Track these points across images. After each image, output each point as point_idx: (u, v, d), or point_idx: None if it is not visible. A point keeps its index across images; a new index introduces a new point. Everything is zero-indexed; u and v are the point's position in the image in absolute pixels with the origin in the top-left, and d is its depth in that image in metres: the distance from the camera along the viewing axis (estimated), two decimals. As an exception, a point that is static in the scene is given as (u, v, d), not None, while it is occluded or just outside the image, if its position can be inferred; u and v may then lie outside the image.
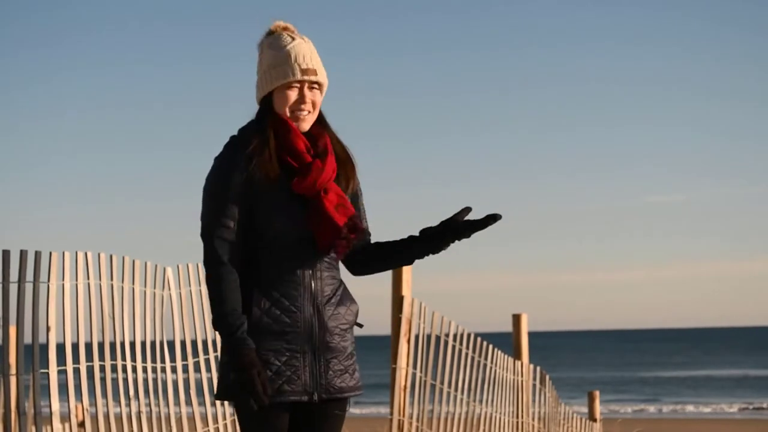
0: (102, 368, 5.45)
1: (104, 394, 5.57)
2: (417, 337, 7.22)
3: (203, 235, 3.68)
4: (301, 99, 3.74)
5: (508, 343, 9.74)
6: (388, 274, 7.07)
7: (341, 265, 3.86)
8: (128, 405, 5.61)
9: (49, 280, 5.05)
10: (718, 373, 60.58)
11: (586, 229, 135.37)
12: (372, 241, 3.88)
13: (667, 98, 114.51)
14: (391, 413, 7.04)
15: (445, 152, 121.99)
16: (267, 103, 3.78)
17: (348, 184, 3.80)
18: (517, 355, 9.65)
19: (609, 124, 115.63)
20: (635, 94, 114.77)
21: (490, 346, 8.49)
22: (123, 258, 5.58)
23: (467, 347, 8.01)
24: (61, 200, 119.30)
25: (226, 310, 3.62)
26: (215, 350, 6.25)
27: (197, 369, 6.17)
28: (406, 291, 7.05)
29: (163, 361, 5.91)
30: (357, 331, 3.90)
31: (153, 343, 5.84)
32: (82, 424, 10.49)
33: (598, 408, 12.52)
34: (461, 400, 7.91)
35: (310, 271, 3.72)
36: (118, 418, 5.55)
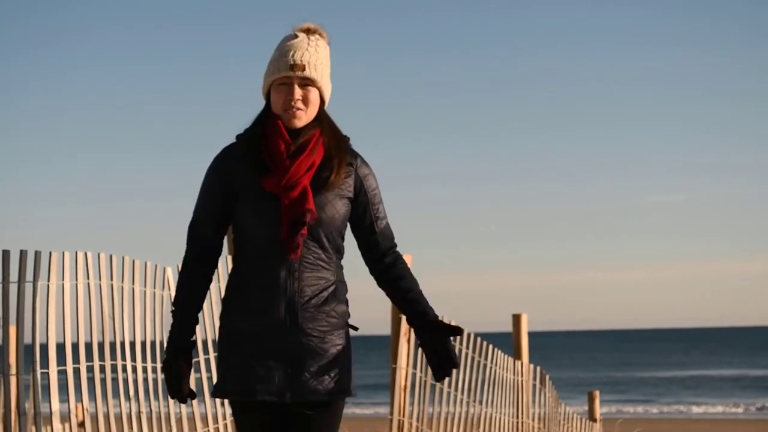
0: (102, 368, 5.45)
1: (104, 394, 5.57)
2: (417, 337, 7.21)
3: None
4: (290, 96, 3.73)
5: (508, 343, 9.74)
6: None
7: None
8: (128, 405, 5.61)
9: (49, 280, 5.05)
10: (718, 373, 60.58)
11: (586, 229, 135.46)
12: (395, 270, 3.82)
13: (667, 98, 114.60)
14: (391, 413, 7.04)
15: (445, 152, 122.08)
16: (267, 100, 3.80)
17: (331, 177, 3.72)
18: (517, 355, 9.65)
19: (609, 124, 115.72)
20: (635, 94, 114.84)
21: (490, 346, 8.49)
22: (123, 258, 5.58)
23: (467, 347, 8.01)
24: (61, 200, 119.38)
25: (174, 308, 3.80)
26: (215, 350, 6.25)
27: (197, 369, 6.17)
28: (406, 291, 7.05)
29: (163, 361, 5.91)
30: (357, 332, 3.89)
31: (153, 343, 5.84)
32: (82, 424, 10.49)
33: (598, 408, 12.51)
34: (461, 400, 7.91)
35: (286, 272, 3.70)
36: (118, 418, 5.55)
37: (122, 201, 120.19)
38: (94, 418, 5.44)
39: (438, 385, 7.54)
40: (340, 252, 3.81)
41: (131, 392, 5.62)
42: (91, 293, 5.35)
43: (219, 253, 3.84)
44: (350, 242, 3.88)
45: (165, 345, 3.81)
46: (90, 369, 5.37)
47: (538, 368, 9.90)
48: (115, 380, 5.57)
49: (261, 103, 3.84)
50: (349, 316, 3.82)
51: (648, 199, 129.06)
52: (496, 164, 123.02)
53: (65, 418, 5.47)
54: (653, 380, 56.58)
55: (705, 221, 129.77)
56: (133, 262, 5.65)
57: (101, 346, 5.45)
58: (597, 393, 12.68)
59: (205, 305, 6.19)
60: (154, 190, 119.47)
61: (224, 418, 6.32)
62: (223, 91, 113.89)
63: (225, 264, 6.06)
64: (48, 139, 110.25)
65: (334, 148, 3.77)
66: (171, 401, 5.92)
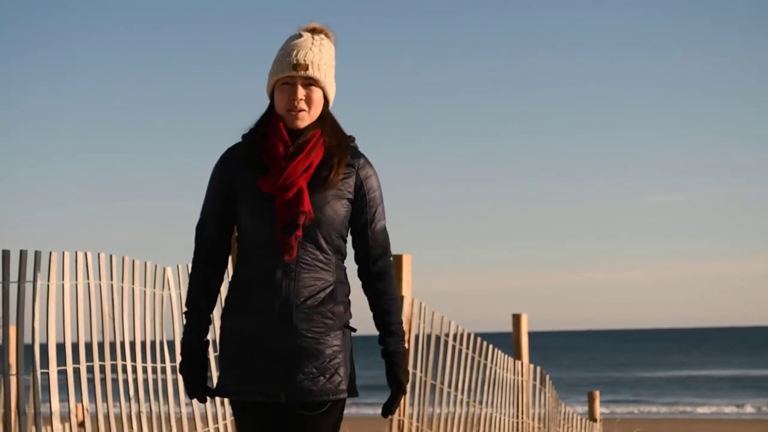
0: (102, 368, 5.45)
1: (104, 394, 5.56)
2: (417, 337, 7.22)
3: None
4: (293, 95, 3.72)
5: (508, 343, 9.73)
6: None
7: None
8: (128, 405, 5.61)
9: (49, 280, 5.05)
10: (718, 373, 60.58)
11: (586, 229, 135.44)
12: (379, 284, 3.83)
13: (667, 98, 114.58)
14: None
15: (445, 152, 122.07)
16: (271, 100, 3.80)
17: (330, 176, 3.71)
18: (517, 355, 9.65)
19: (609, 124, 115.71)
20: (635, 94, 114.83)
21: (490, 346, 8.49)
22: (123, 258, 5.58)
23: (467, 347, 8.01)
24: (61, 200, 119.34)
25: (186, 309, 3.84)
26: (215, 350, 6.25)
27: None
28: (406, 291, 7.05)
29: (163, 361, 5.91)
30: (357, 332, 3.89)
31: (153, 343, 5.83)
32: (82, 424, 10.48)
33: (598, 408, 12.52)
34: (461, 400, 7.91)
35: (282, 272, 3.70)
36: (118, 418, 5.55)
37: (122, 201, 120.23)
38: (94, 418, 5.44)
39: (438, 385, 7.54)
40: (340, 253, 3.79)
41: (131, 392, 5.61)
42: (91, 293, 5.35)
43: (226, 253, 3.84)
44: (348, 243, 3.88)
45: (179, 346, 3.82)
46: (90, 369, 5.36)
47: (538, 368, 9.89)
48: (115, 380, 5.57)
49: (262, 103, 3.83)
50: (349, 316, 3.81)
51: (648, 199, 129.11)
52: (496, 164, 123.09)
53: (65, 418, 5.46)
54: (653, 380, 56.57)
55: (705, 221, 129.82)
56: (133, 262, 5.65)
57: (101, 346, 5.45)
58: (597, 393, 12.68)
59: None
60: (154, 190, 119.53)
61: (224, 418, 6.31)
62: (223, 91, 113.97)
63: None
64: (48, 139, 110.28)
65: (335, 147, 3.76)
66: (171, 401, 5.92)
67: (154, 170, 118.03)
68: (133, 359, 5.67)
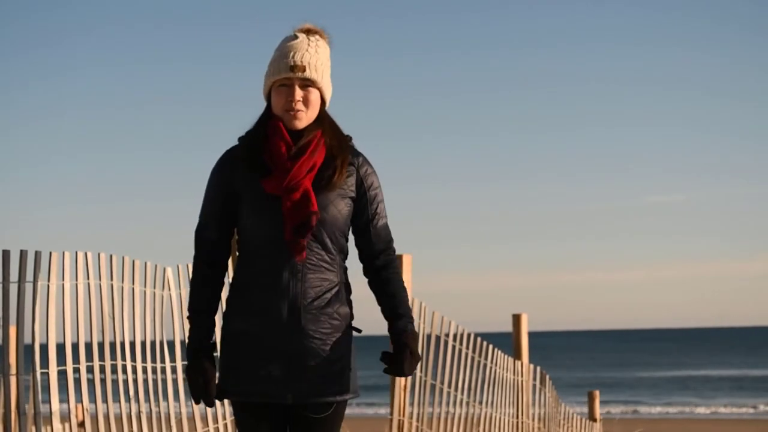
0: (102, 368, 5.45)
1: (104, 394, 5.56)
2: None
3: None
4: (290, 97, 3.72)
5: (508, 343, 9.73)
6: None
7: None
8: (128, 405, 5.61)
9: (49, 280, 5.05)
10: (718, 373, 60.58)
11: (586, 229, 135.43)
12: (384, 274, 3.82)
13: (667, 98, 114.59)
14: (391, 413, 7.04)
15: (445, 152, 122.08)
16: (268, 101, 3.80)
17: (334, 177, 3.72)
18: (517, 355, 9.65)
19: (609, 124, 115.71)
20: (635, 94, 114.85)
21: (490, 346, 8.49)
22: (123, 258, 5.58)
23: (467, 347, 8.01)
24: (61, 200, 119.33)
25: (189, 312, 3.82)
26: (215, 350, 6.25)
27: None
28: (406, 291, 7.05)
29: (163, 361, 5.91)
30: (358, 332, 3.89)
31: (153, 343, 5.83)
32: (82, 424, 10.48)
33: (598, 408, 12.52)
34: (461, 400, 7.91)
35: (288, 273, 3.70)
36: (118, 418, 5.55)
37: (122, 201, 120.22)
38: (94, 418, 5.44)
39: (438, 385, 7.54)
40: (343, 253, 3.80)
41: (131, 392, 5.61)
42: (91, 293, 5.35)
43: (227, 254, 3.84)
44: (351, 242, 3.88)
45: (186, 350, 3.81)
46: (90, 369, 5.37)
47: (538, 368, 9.89)
48: (115, 380, 5.57)
49: (261, 104, 3.83)
50: (352, 317, 3.82)
51: (648, 199, 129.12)
52: (496, 164, 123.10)
53: (65, 418, 5.46)
54: (653, 380, 56.58)
55: (705, 221, 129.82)
56: (133, 262, 5.65)
57: (101, 346, 5.45)
58: (597, 393, 12.68)
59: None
60: (154, 190, 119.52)
61: (224, 418, 6.31)
62: (223, 91, 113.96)
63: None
64: (48, 139, 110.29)
65: (336, 148, 3.76)
66: (171, 401, 5.92)
67: (154, 170, 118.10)
68: (133, 359, 5.67)
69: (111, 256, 5.50)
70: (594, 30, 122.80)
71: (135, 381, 5.67)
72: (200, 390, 3.75)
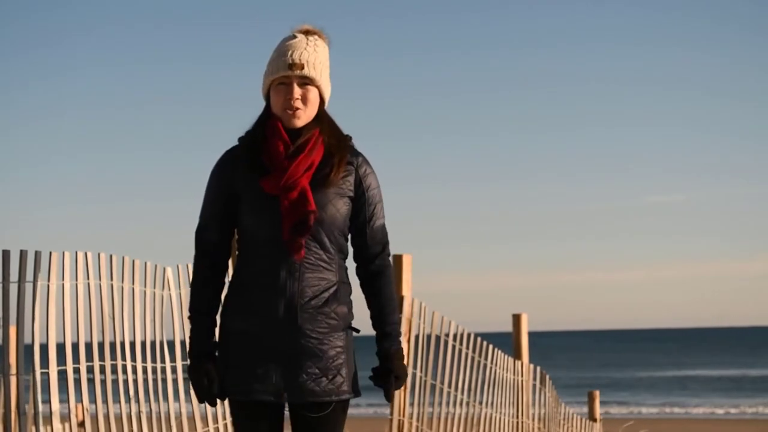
0: (102, 368, 5.45)
1: (104, 394, 5.56)
2: (417, 337, 7.21)
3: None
4: (289, 95, 3.72)
5: (508, 343, 9.73)
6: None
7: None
8: (128, 405, 5.61)
9: (49, 280, 5.05)
10: (718, 373, 60.58)
11: (586, 229, 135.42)
12: (376, 283, 3.82)
13: (667, 98, 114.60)
14: (391, 413, 7.04)
15: (445, 152, 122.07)
16: (267, 101, 3.80)
17: (331, 174, 3.72)
18: (517, 355, 9.65)
19: (609, 124, 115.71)
20: (635, 94, 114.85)
21: (490, 346, 8.49)
22: (123, 258, 5.58)
23: (467, 347, 8.01)
24: (61, 200, 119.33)
25: (190, 313, 3.81)
26: (216, 347, 6.24)
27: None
28: (406, 291, 7.05)
29: (163, 361, 5.91)
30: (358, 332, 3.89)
31: (153, 343, 5.83)
32: (82, 424, 10.48)
33: (598, 408, 12.51)
34: (461, 400, 7.90)
35: (285, 272, 3.69)
36: (118, 418, 5.55)
37: (122, 201, 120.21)
38: (94, 418, 5.44)
39: (438, 385, 7.54)
40: (342, 252, 3.80)
41: (131, 392, 5.61)
42: (91, 293, 5.35)
43: (227, 255, 3.84)
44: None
45: (188, 352, 3.81)
46: (90, 369, 5.36)
47: (538, 368, 9.89)
48: (115, 380, 5.57)
49: (261, 104, 3.84)
50: (351, 317, 3.81)
51: (648, 199, 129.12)
52: (496, 164, 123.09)
53: (65, 418, 5.46)
54: (653, 380, 56.57)
55: (705, 221, 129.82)
56: (133, 262, 5.65)
57: (101, 346, 5.45)
58: (597, 393, 12.67)
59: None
60: (154, 190, 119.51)
61: (224, 418, 6.31)
62: (223, 91, 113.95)
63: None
64: (48, 139, 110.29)
65: (335, 146, 3.76)
66: (171, 401, 5.92)
67: (154, 170, 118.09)
68: (133, 359, 5.67)
69: (111, 256, 5.50)
70: (594, 30, 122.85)
71: (135, 381, 5.67)
72: (204, 391, 3.75)
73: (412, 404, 7.22)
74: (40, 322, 5.02)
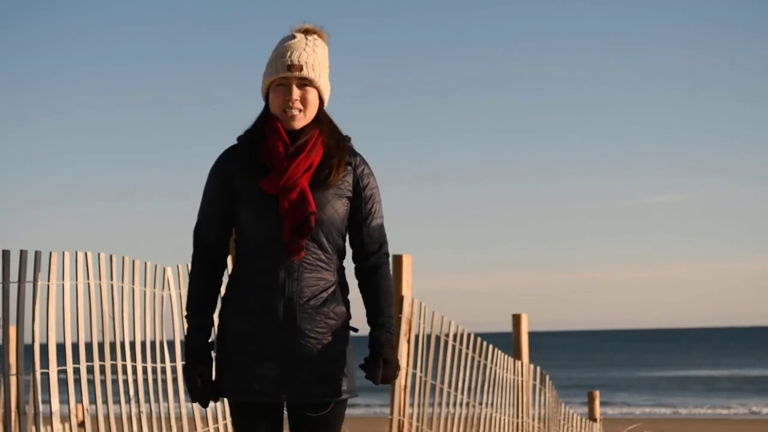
0: (102, 368, 5.45)
1: (104, 394, 5.56)
2: (417, 337, 7.21)
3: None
4: (288, 96, 3.71)
5: (508, 343, 9.73)
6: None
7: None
8: (128, 405, 5.61)
9: (49, 280, 5.05)
10: (718, 374, 60.58)
11: (586, 229, 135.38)
12: (372, 280, 3.81)
13: (667, 98, 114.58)
14: (391, 413, 7.04)
15: (445, 152, 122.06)
16: (266, 101, 3.80)
17: (330, 175, 3.71)
18: (517, 355, 9.65)
19: (609, 124, 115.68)
20: (635, 94, 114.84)
21: (490, 346, 8.49)
22: (123, 258, 5.58)
23: (467, 347, 8.01)
24: (61, 200, 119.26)
25: (187, 313, 3.80)
26: (213, 348, 6.24)
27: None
28: (406, 291, 7.05)
29: (163, 361, 5.91)
30: (358, 332, 3.88)
31: (153, 343, 5.83)
32: (82, 424, 10.48)
33: (598, 408, 12.52)
34: (461, 400, 7.90)
35: (284, 272, 3.69)
36: (118, 418, 5.55)
37: (122, 201, 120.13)
38: (94, 418, 5.43)
39: (438, 385, 7.54)
40: (340, 252, 3.79)
41: (131, 392, 5.61)
42: (91, 293, 5.35)
43: (225, 254, 3.84)
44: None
45: (184, 351, 3.81)
46: (90, 369, 5.36)
47: (538, 368, 9.89)
48: (115, 380, 5.56)
49: (261, 103, 3.83)
50: (349, 317, 3.81)
51: (648, 199, 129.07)
52: (496, 164, 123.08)
53: (65, 418, 5.46)
54: (653, 380, 56.56)
55: (705, 221, 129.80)
56: (133, 262, 5.65)
57: (101, 346, 5.45)
58: (597, 393, 12.68)
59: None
60: (155, 190, 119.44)
61: (224, 417, 6.31)
62: (223, 91, 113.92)
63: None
64: (48, 139, 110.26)
65: (334, 147, 3.76)
66: (171, 401, 5.92)
67: (153, 170, 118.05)
68: (133, 359, 5.67)
69: (111, 256, 5.50)
70: (594, 30, 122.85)
71: (135, 381, 5.67)
72: (197, 392, 3.75)
73: (412, 404, 7.21)
74: (40, 322, 5.02)
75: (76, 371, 5.28)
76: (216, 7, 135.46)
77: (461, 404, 7.92)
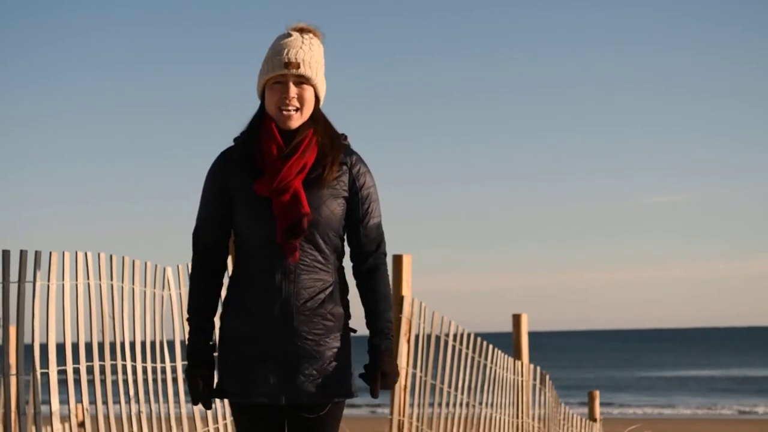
0: (102, 368, 5.44)
1: (104, 394, 5.56)
2: (417, 337, 7.21)
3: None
4: (284, 95, 3.70)
5: (508, 343, 9.73)
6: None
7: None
8: (128, 405, 5.60)
9: (49, 280, 5.04)
10: (718, 374, 60.57)
11: (586, 229, 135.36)
12: (370, 281, 3.80)
13: (667, 98, 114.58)
14: (391, 413, 7.03)
15: (444, 152, 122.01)
16: (262, 100, 3.79)
17: (324, 174, 3.70)
18: (517, 355, 9.64)
19: (609, 124, 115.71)
20: (635, 94, 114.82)
21: (490, 346, 8.48)
22: (123, 258, 5.58)
23: (467, 347, 8.00)
24: (61, 200, 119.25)
25: (188, 315, 3.80)
26: (215, 350, 6.24)
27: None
28: (406, 291, 7.05)
29: (163, 361, 5.91)
30: (357, 333, 3.88)
31: (153, 343, 5.83)
32: (82, 424, 10.48)
33: (598, 408, 12.51)
34: (461, 400, 7.90)
35: (281, 274, 3.68)
36: (118, 418, 5.54)
37: (122, 201, 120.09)
38: (94, 418, 5.43)
39: (438, 385, 7.54)
40: (338, 252, 3.78)
41: (131, 392, 5.61)
42: (91, 293, 5.34)
43: (225, 256, 3.83)
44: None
45: (186, 352, 3.81)
46: (90, 369, 5.36)
47: (538, 368, 9.89)
48: (115, 380, 5.56)
49: (258, 103, 3.82)
50: (349, 317, 3.80)
51: (648, 199, 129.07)
52: (496, 164, 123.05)
53: (65, 418, 5.46)
54: (653, 380, 56.55)
55: (705, 221, 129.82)
56: (133, 262, 5.65)
57: (101, 346, 5.45)
58: (597, 393, 12.67)
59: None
60: (155, 190, 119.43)
61: (224, 417, 6.31)
62: (223, 91, 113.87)
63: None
64: (48, 139, 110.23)
65: (328, 146, 3.74)
66: (171, 401, 5.92)
67: (154, 170, 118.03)
68: (133, 359, 5.66)
69: (111, 256, 5.49)
70: (594, 30, 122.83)
71: (135, 381, 5.66)
72: (199, 394, 3.76)
73: (412, 404, 7.21)
74: (40, 322, 5.02)
75: (76, 371, 5.27)
76: (216, 7, 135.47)
77: (461, 404, 7.91)
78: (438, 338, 7.50)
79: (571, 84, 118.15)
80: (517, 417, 9.25)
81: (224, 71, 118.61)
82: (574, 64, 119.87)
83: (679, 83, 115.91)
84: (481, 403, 8.31)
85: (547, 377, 10.06)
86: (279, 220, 3.64)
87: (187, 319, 3.80)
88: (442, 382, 7.59)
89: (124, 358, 5.58)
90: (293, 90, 3.71)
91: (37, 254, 4.99)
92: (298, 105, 3.71)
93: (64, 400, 5.20)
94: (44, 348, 5.04)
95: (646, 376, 60.56)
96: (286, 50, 3.70)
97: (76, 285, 5.25)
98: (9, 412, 5.12)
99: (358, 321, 3.85)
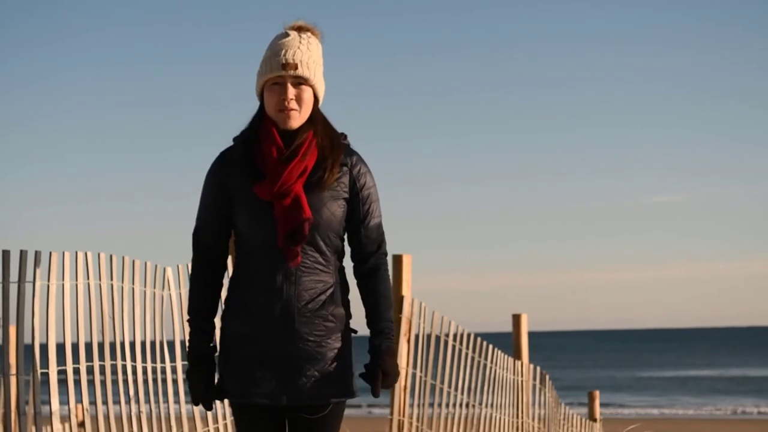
0: (102, 368, 5.44)
1: (104, 395, 5.56)
2: (417, 337, 7.21)
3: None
4: (283, 95, 3.68)
5: (508, 343, 9.73)
6: (388, 274, 7.05)
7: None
8: (128, 405, 5.60)
9: (49, 280, 5.04)
10: (718, 374, 60.56)
11: (586, 229, 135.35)
12: (370, 282, 3.79)
13: (667, 98, 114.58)
14: (391, 413, 7.03)
15: (444, 152, 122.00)
16: (261, 100, 3.77)
17: (324, 176, 3.69)
18: (517, 355, 9.64)
19: (609, 124, 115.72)
20: (635, 94, 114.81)
21: (490, 346, 8.48)
22: (123, 258, 5.57)
23: (467, 347, 8.00)
24: (61, 200, 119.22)
25: (189, 316, 3.80)
26: (216, 350, 6.23)
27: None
28: (406, 291, 7.05)
29: (163, 361, 5.90)
30: (357, 333, 3.88)
31: (153, 343, 5.83)
32: (82, 424, 10.48)
33: (598, 408, 12.51)
34: (461, 400, 7.90)
35: (282, 276, 3.67)
36: (118, 418, 5.54)
37: (122, 201, 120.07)
38: (94, 419, 5.43)
39: (438, 385, 7.54)
40: (339, 253, 3.78)
41: (131, 392, 5.61)
42: (91, 293, 5.34)
43: (225, 257, 3.82)
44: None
45: (187, 354, 3.80)
46: (90, 369, 5.36)
47: (538, 368, 9.89)
48: (115, 380, 5.56)
49: (257, 103, 3.81)
50: (350, 317, 3.80)
51: (648, 199, 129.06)
52: (496, 164, 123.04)
53: (65, 418, 5.46)
54: (653, 380, 56.55)
55: (705, 221, 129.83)
56: (133, 262, 5.64)
57: (101, 346, 5.45)
58: (597, 393, 12.67)
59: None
60: (155, 190, 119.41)
61: (224, 418, 6.31)
62: (223, 91, 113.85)
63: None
64: (48, 139, 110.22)
65: (328, 148, 3.72)
66: (171, 401, 5.92)
67: (153, 170, 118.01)
68: (133, 359, 5.66)
69: (111, 256, 5.49)
70: (594, 30, 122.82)
71: (135, 381, 5.66)
72: (200, 395, 3.76)
73: (412, 404, 7.21)
74: (40, 322, 5.01)
75: (76, 371, 5.27)
76: (216, 7, 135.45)
77: (461, 404, 7.91)
78: (438, 338, 7.50)
79: (571, 84, 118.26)
80: (517, 417, 9.25)
81: (224, 71, 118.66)
82: (574, 64, 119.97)
83: (679, 83, 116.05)
84: (481, 404, 8.30)
85: (547, 377, 10.06)
86: (280, 224, 3.63)
87: (188, 320, 3.80)
88: (442, 382, 7.59)
89: (124, 358, 5.58)
90: (291, 91, 3.69)
91: (37, 254, 4.99)
92: (296, 106, 3.70)
93: (64, 400, 5.20)
94: (44, 348, 5.04)
95: (645, 376, 60.56)
96: (283, 51, 3.68)
97: (76, 285, 5.25)
98: (9, 412, 5.12)
99: (358, 321, 3.85)
